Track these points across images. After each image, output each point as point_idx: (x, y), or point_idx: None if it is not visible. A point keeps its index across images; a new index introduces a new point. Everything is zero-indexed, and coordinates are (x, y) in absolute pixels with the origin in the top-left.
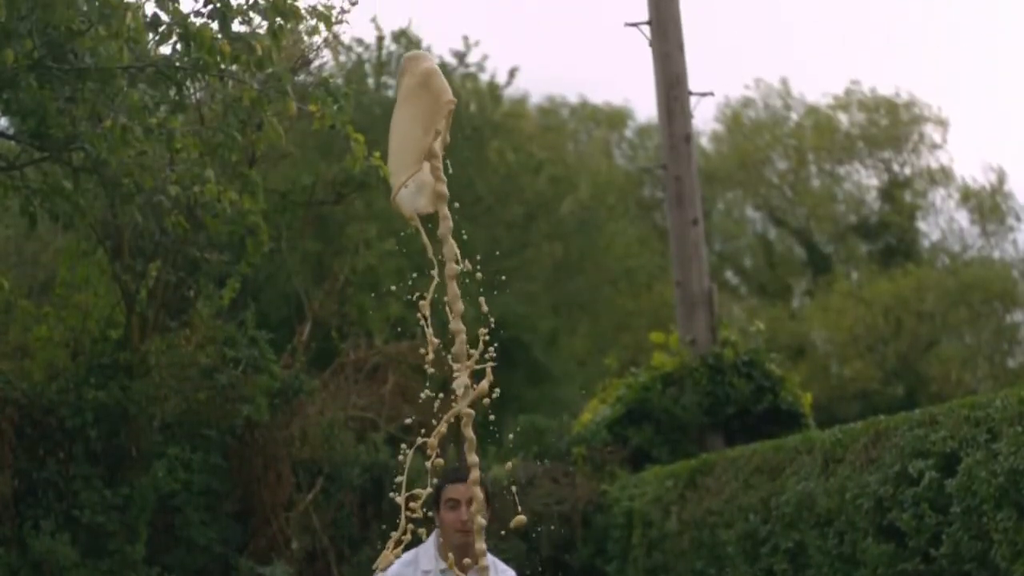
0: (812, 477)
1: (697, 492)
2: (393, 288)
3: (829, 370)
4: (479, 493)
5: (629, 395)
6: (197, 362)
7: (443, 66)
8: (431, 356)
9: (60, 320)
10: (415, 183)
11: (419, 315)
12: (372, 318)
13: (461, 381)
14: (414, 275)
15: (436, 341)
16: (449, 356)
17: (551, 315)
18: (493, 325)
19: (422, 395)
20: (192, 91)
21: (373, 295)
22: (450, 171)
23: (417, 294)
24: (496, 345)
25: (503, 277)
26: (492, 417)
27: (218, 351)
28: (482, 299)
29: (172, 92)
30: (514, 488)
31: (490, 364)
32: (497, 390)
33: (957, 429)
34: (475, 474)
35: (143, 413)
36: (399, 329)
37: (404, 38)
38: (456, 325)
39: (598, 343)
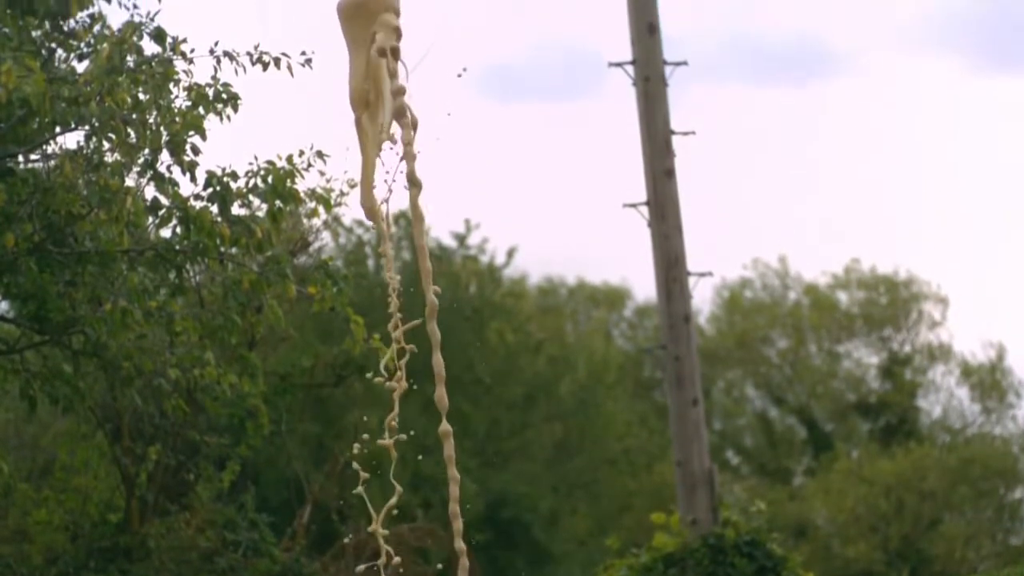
0: None
1: None
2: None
3: (831, 550)
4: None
5: None
6: (197, 545)
7: (443, 248)
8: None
9: (59, 503)
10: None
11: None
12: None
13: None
14: (419, 457)
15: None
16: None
17: (551, 495)
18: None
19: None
20: (192, 274)
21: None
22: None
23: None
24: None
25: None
26: None
27: (218, 534)
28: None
29: (172, 275)
30: None
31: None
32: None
33: None
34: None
35: None
36: (399, 512)
37: (404, 219)
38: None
39: (599, 523)
